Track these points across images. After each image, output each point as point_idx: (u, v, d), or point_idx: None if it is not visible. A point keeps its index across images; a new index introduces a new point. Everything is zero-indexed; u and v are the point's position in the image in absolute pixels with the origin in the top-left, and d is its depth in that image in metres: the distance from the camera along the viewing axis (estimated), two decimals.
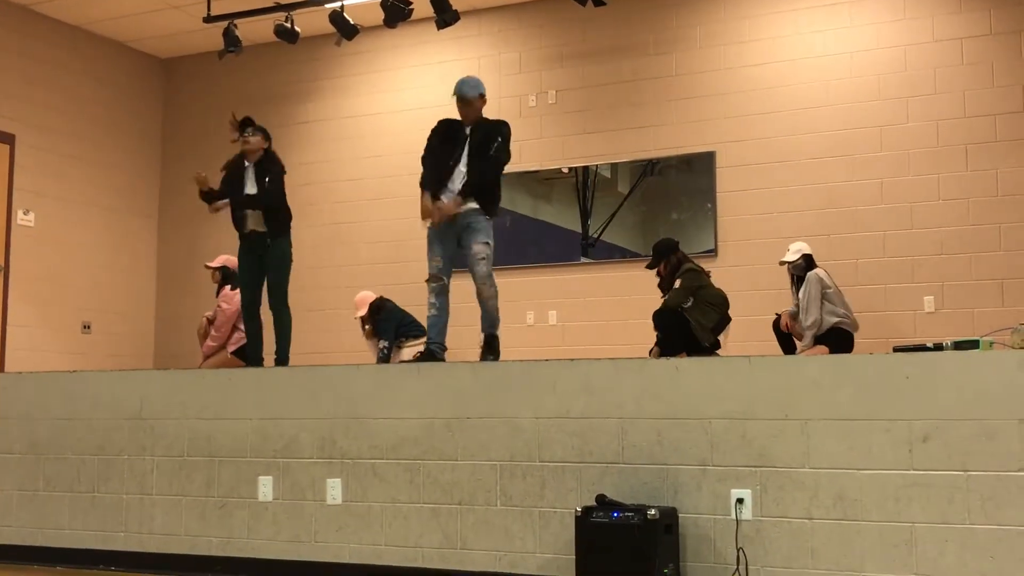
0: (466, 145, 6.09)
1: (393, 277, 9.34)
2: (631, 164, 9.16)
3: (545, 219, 9.49)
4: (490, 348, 6.10)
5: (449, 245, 6.08)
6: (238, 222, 6.83)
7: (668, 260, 7.39)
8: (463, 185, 5.99)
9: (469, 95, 6.17)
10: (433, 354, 5.99)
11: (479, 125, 6.14)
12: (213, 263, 8.39)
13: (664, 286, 7.43)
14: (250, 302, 6.88)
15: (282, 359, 6.70)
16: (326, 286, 9.84)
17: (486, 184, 6.04)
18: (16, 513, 6.45)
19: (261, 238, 6.74)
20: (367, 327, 8.56)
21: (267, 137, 6.94)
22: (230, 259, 7.94)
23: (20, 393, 6.62)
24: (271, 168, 6.80)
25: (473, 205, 6.02)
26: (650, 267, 7.57)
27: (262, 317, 6.90)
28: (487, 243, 6.02)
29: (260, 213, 6.73)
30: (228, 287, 8.18)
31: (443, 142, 6.18)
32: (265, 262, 6.77)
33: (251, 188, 6.77)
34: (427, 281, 6.07)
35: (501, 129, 6.13)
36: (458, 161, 6.07)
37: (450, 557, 5.29)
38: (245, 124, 6.91)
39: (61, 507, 6.33)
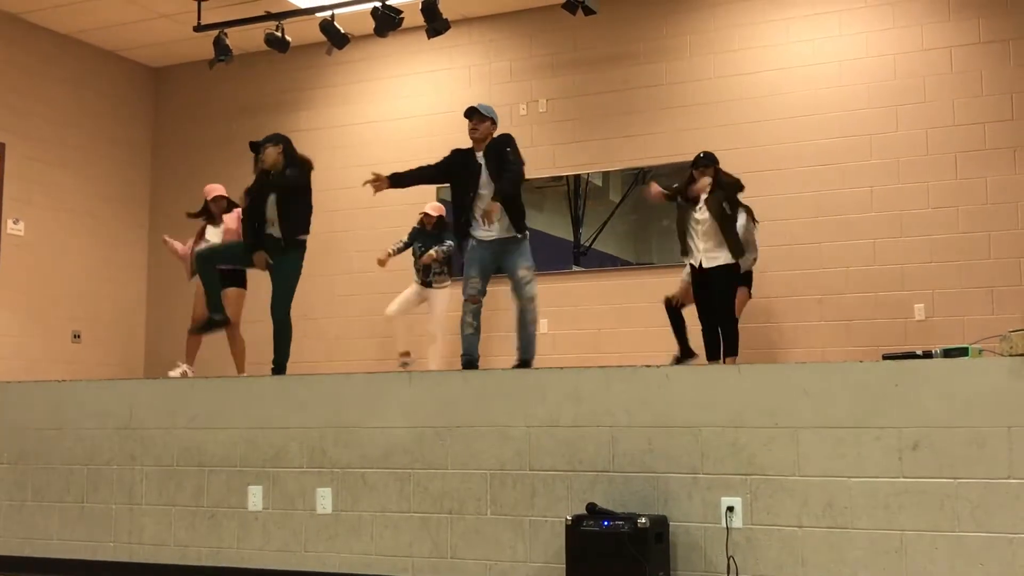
0: (482, 172, 6.33)
1: (385, 286, 9.31)
2: (622, 172, 9.17)
3: (536, 227, 9.44)
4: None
5: (487, 267, 6.35)
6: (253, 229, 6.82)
7: (718, 171, 7.01)
8: (493, 192, 6.23)
9: (482, 112, 6.42)
10: (474, 364, 6.23)
11: (489, 147, 6.39)
12: (214, 193, 8.05)
13: (703, 198, 6.94)
14: (210, 258, 6.85)
15: (279, 368, 6.66)
16: (318, 295, 9.81)
17: (511, 198, 6.31)
18: (4, 523, 6.42)
19: (276, 242, 6.67)
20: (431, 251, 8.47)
21: (279, 142, 6.82)
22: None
23: (9, 402, 6.60)
24: (299, 176, 6.71)
25: (509, 232, 6.32)
26: (699, 165, 7.01)
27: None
28: (531, 267, 6.36)
29: (277, 221, 6.68)
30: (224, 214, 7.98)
31: (459, 174, 6.43)
32: (274, 267, 6.70)
33: (271, 212, 6.66)
34: (465, 301, 6.30)
35: (506, 141, 6.40)
36: (476, 188, 6.33)
37: (440, 566, 5.28)
38: (255, 147, 6.80)
39: (50, 517, 6.30)
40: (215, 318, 6.83)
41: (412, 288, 8.69)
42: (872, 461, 4.52)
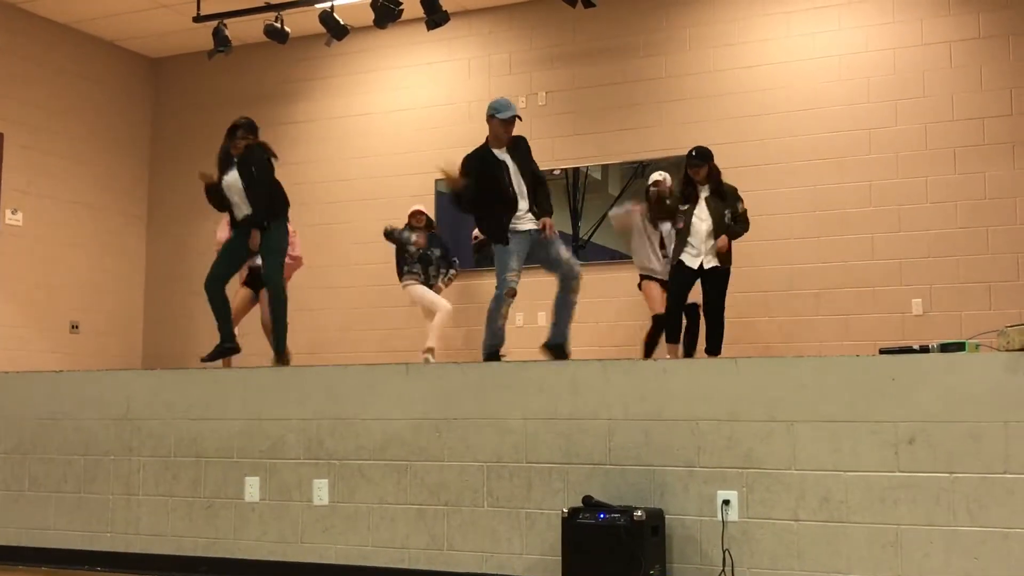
0: (510, 168, 6.32)
1: (382, 278, 9.33)
2: (621, 166, 9.16)
3: None
4: (563, 356, 6.27)
5: (523, 258, 6.30)
6: (229, 210, 6.75)
7: (712, 167, 6.96)
8: (540, 205, 6.32)
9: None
10: (501, 358, 6.21)
11: (514, 145, 6.42)
12: None
13: (687, 193, 7.01)
14: (217, 278, 6.67)
15: (278, 349, 6.65)
16: (315, 287, 9.81)
17: (544, 191, 6.47)
18: (1, 514, 6.42)
19: (254, 220, 6.60)
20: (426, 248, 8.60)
21: (253, 132, 6.70)
22: None
23: (6, 393, 6.59)
24: (253, 157, 6.63)
25: (535, 222, 6.28)
26: (694, 166, 6.97)
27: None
28: (568, 247, 6.46)
29: (246, 200, 6.62)
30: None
31: (490, 174, 6.32)
32: (261, 247, 6.64)
33: (231, 175, 6.64)
34: (507, 295, 6.20)
35: (527, 142, 6.50)
36: (508, 184, 6.28)
37: (436, 558, 5.28)
38: (233, 130, 6.72)
39: (47, 507, 6.30)
40: (226, 346, 6.74)
41: (420, 288, 8.59)
42: (868, 455, 4.53)
